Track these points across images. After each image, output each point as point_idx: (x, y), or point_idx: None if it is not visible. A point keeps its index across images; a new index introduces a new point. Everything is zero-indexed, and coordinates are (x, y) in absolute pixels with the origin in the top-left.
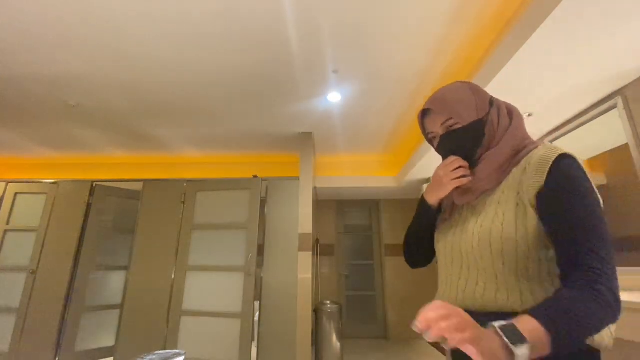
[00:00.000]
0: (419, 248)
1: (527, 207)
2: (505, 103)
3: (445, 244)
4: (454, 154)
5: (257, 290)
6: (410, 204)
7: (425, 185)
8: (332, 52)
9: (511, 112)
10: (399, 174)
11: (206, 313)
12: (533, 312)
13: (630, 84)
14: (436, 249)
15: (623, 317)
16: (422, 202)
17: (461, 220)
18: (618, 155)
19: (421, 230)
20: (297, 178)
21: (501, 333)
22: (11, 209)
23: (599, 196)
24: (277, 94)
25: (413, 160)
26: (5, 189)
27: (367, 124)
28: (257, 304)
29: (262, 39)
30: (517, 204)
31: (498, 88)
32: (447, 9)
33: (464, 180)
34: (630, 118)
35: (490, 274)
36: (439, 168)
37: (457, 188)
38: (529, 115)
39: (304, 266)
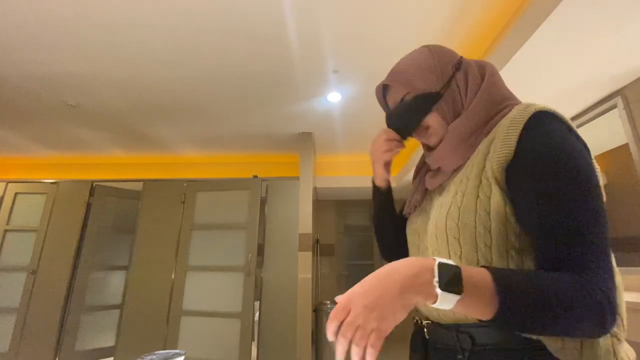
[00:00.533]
0: (383, 236)
1: (492, 185)
2: (476, 61)
3: (411, 233)
4: (400, 132)
5: (257, 290)
6: None
7: None
8: (332, 52)
9: (483, 69)
10: (398, 174)
11: (206, 313)
12: (492, 269)
13: (630, 84)
14: (408, 243)
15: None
16: (372, 185)
17: (429, 206)
18: (618, 155)
19: (379, 216)
20: (297, 178)
21: (437, 271)
22: (11, 209)
23: (592, 164)
24: (277, 94)
25: (412, 160)
26: (5, 189)
27: (367, 124)
28: (257, 304)
29: (262, 40)
30: (481, 182)
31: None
32: (447, 11)
33: (395, 153)
34: (630, 118)
35: (472, 263)
36: (370, 145)
37: (427, 172)
38: None
39: (304, 266)
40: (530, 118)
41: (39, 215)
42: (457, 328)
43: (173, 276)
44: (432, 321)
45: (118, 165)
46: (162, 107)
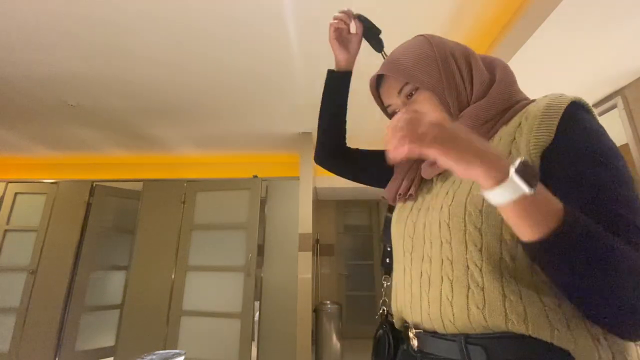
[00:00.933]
0: (325, 132)
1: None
2: (482, 56)
3: (403, 225)
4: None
5: (257, 290)
6: None
7: None
8: (332, 52)
9: (492, 64)
10: None
11: (206, 313)
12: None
13: (630, 84)
14: (392, 236)
15: None
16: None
17: (430, 196)
18: None
19: (325, 105)
20: (297, 178)
21: (519, 161)
22: (11, 209)
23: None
24: (277, 93)
25: None
26: (5, 189)
27: (367, 124)
28: (257, 304)
29: (262, 40)
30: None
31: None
32: (447, 11)
33: (337, 25)
34: (630, 118)
35: (461, 267)
36: None
37: (420, 159)
38: None
39: (304, 266)
40: (569, 105)
41: (39, 215)
42: (465, 339)
43: (173, 276)
44: (423, 330)
45: (118, 165)
46: (162, 107)
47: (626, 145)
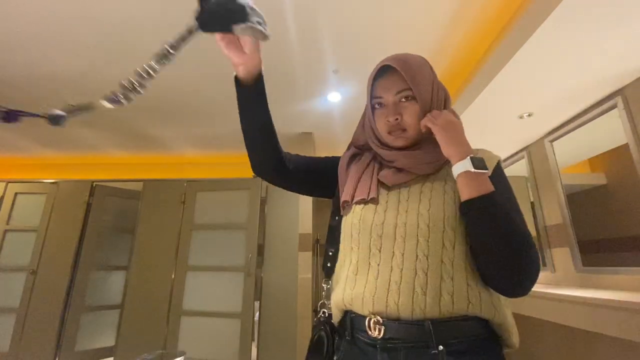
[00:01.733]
0: (258, 150)
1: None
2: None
3: (369, 225)
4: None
5: (257, 290)
6: None
7: None
8: (332, 52)
9: (447, 100)
10: None
11: (206, 313)
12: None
13: (630, 84)
14: (349, 236)
15: (623, 316)
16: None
17: (394, 200)
18: (618, 155)
19: (249, 126)
20: None
21: (473, 155)
22: (11, 209)
23: None
24: (277, 94)
25: None
26: (5, 189)
27: None
28: (257, 304)
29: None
30: (455, 192)
31: (498, 88)
32: (447, 10)
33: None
34: (630, 118)
35: (436, 261)
36: None
37: (383, 167)
38: (529, 115)
39: (304, 266)
40: (499, 160)
41: (39, 215)
42: (431, 322)
43: (173, 276)
44: (386, 318)
45: (118, 165)
46: (162, 107)
47: (626, 145)
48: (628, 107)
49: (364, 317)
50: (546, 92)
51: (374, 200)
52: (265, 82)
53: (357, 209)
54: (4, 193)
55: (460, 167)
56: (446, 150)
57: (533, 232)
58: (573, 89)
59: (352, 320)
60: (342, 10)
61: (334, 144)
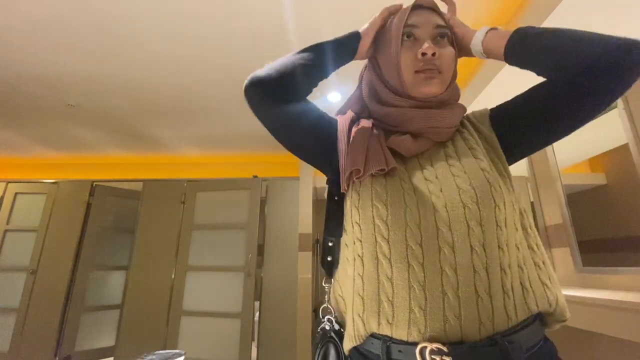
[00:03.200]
0: (306, 78)
1: (495, 144)
2: None
3: (402, 209)
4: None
5: (257, 290)
6: None
7: None
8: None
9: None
10: None
11: (206, 313)
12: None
13: None
14: (368, 218)
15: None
16: (350, 38)
17: (420, 175)
18: (618, 155)
19: (322, 68)
20: (297, 178)
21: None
22: (11, 209)
23: None
24: None
25: None
26: (5, 189)
27: None
28: (257, 304)
29: (263, 40)
30: (484, 152)
31: (497, 88)
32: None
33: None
34: (630, 118)
35: (494, 249)
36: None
37: (405, 133)
38: None
39: (304, 266)
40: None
41: (39, 215)
42: (502, 337)
43: (173, 276)
44: (449, 343)
45: (118, 165)
46: (162, 107)
47: (626, 145)
48: (628, 107)
49: (412, 344)
50: None
51: (396, 173)
52: None
53: (376, 185)
54: (4, 193)
55: (484, 28)
56: (462, 28)
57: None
58: None
59: (388, 349)
60: (342, 11)
61: None
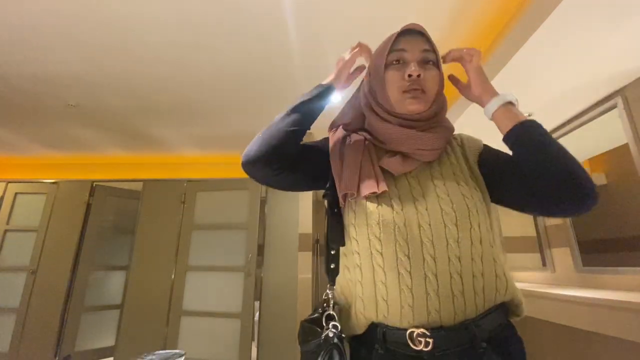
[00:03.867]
0: (295, 134)
1: (475, 170)
2: None
3: (392, 227)
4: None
5: (257, 290)
6: None
7: None
8: (332, 52)
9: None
10: None
11: (206, 313)
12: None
13: (630, 84)
14: (363, 234)
15: (623, 316)
16: (320, 89)
17: (405, 195)
18: (618, 155)
19: (305, 121)
20: None
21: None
22: (11, 209)
23: None
24: (278, 94)
25: None
26: (5, 189)
27: None
28: (257, 304)
29: (263, 40)
30: (465, 178)
31: (498, 88)
32: (447, 10)
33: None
34: (630, 118)
35: (468, 260)
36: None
37: (395, 153)
38: (529, 115)
39: (304, 266)
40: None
41: (39, 215)
42: (473, 322)
43: (173, 276)
44: (430, 329)
45: (118, 165)
46: (162, 107)
47: (626, 145)
48: (628, 107)
49: (403, 329)
50: (546, 92)
51: (386, 194)
52: (265, 82)
53: (370, 206)
54: (4, 193)
55: (499, 100)
56: (480, 88)
57: (533, 233)
58: (573, 89)
59: (384, 333)
60: (342, 11)
61: None
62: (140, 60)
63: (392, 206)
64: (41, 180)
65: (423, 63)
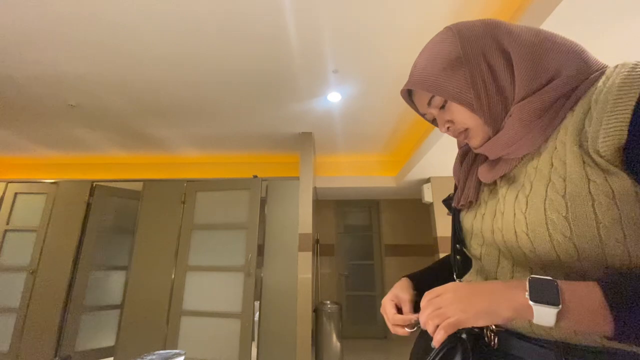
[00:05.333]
0: None
1: (607, 165)
2: (512, 28)
3: (470, 233)
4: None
5: (257, 290)
6: (410, 204)
7: (425, 186)
8: (332, 52)
9: (532, 34)
10: (398, 174)
11: (206, 313)
12: (601, 280)
13: None
14: (468, 250)
15: None
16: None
17: (494, 201)
18: None
19: None
20: (297, 178)
21: (528, 286)
22: (11, 209)
23: None
24: (277, 94)
25: (413, 161)
26: (5, 189)
27: (367, 124)
28: (257, 304)
29: (262, 40)
30: (584, 162)
31: None
32: (447, 10)
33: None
34: None
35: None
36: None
37: (483, 161)
38: None
39: (304, 266)
40: None
41: (39, 215)
42: (564, 349)
43: (173, 276)
44: (506, 329)
45: (118, 165)
46: (162, 107)
47: None
48: None
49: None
50: None
51: (472, 204)
52: (265, 82)
53: (463, 216)
54: (4, 193)
55: (541, 319)
56: (498, 319)
57: None
58: None
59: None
60: (342, 10)
61: (334, 144)
62: (140, 61)
63: (475, 213)
64: (41, 180)
65: (440, 110)
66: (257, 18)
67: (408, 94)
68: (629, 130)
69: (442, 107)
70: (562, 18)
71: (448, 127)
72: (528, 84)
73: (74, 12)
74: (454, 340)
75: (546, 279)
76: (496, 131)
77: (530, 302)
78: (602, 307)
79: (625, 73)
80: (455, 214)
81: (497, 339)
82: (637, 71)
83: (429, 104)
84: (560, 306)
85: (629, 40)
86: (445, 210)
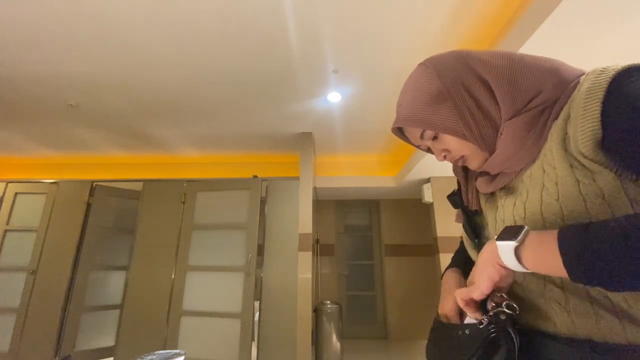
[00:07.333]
0: None
1: (591, 165)
2: (483, 53)
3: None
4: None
5: (257, 290)
6: (410, 204)
7: (425, 186)
8: (332, 52)
9: (503, 58)
10: (398, 174)
11: (206, 313)
12: (564, 226)
13: None
14: (471, 255)
15: None
16: None
17: (493, 210)
18: None
19: None
20: (297, 178)
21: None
22: (11, 209)
23: None
24: (278, 94)
25: (412, 161)
26: (5, 189)
27: (367, 124)
28: (257, 304)
29: (263, 40)
30: (572, 165)
31: None
32: (447, 10)
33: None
34: None
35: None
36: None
37: (480, 173)
38: None
39: (304, 266)
40: (611, 81)
41: (39, 215)
42: (590, 346)
43: (173, 276)
44: (542, 330)
45: (118, 165)
46: (162, 107)
47: None
48: None
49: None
50: None
51: (477, 213)
52: (265, 82)
53: (473, 219)
54: (4, 193)
55: (506, 259)
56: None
57: None
58: None
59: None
60: (342, 10)
61: (334, 144)
62: (141, 61)
63: (480, 221)
64: (41, 180)
65: (433, 141)
66: (257, 18)
67: (399, 130)
68: (602, 126)
69: (435, 138)
70: (562, 18)
71: (445, 156)
72: (512, 104)
73: (74, 12)
74: (498, 330)
75: (519, 225)
76: (491, 152)
77: (497, 242)
78: (556, 248)
79: (592, 78)
80: (466, 211)
81: (519, 339)
82: (602, 76)
83: (422, 137)
84: (516, 242)
85: (629, 40)
86: (446, 210)
